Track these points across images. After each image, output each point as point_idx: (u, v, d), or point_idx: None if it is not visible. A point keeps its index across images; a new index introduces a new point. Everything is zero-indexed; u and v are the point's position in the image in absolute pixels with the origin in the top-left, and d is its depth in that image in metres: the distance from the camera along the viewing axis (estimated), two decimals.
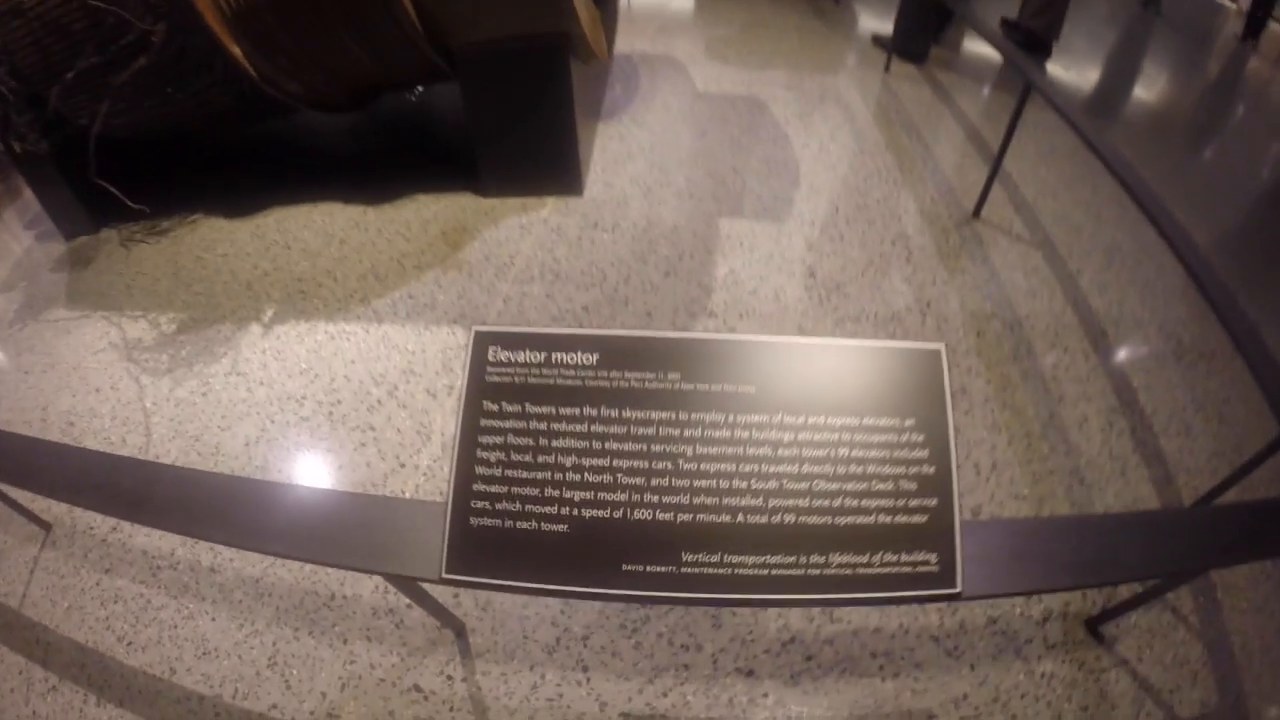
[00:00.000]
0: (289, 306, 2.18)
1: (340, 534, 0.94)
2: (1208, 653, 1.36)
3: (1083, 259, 2.31)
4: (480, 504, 0.89)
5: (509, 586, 0.87)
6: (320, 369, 1.97)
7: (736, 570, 0.85)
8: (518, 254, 2.37)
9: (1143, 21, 5.33)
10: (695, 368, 0.89)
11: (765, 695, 1.32)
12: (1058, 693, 1.30)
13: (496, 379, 0.91)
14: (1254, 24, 5.11)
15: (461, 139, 2.73)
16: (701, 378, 0.89)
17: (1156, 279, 2.24)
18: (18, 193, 2.81)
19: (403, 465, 1.73)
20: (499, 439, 0.90)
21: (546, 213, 2.54)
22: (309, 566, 1.50)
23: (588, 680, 1.34)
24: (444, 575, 0.88)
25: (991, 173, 2.39)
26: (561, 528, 0.88)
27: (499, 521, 0.88)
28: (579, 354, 0.90)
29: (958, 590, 0.85)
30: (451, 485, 0.89)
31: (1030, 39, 3.81)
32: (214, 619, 1.45)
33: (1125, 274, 2.25)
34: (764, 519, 0.85)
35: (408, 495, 1.66)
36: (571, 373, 0.90)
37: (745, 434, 0.87)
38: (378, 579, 1.47)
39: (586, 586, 0.85)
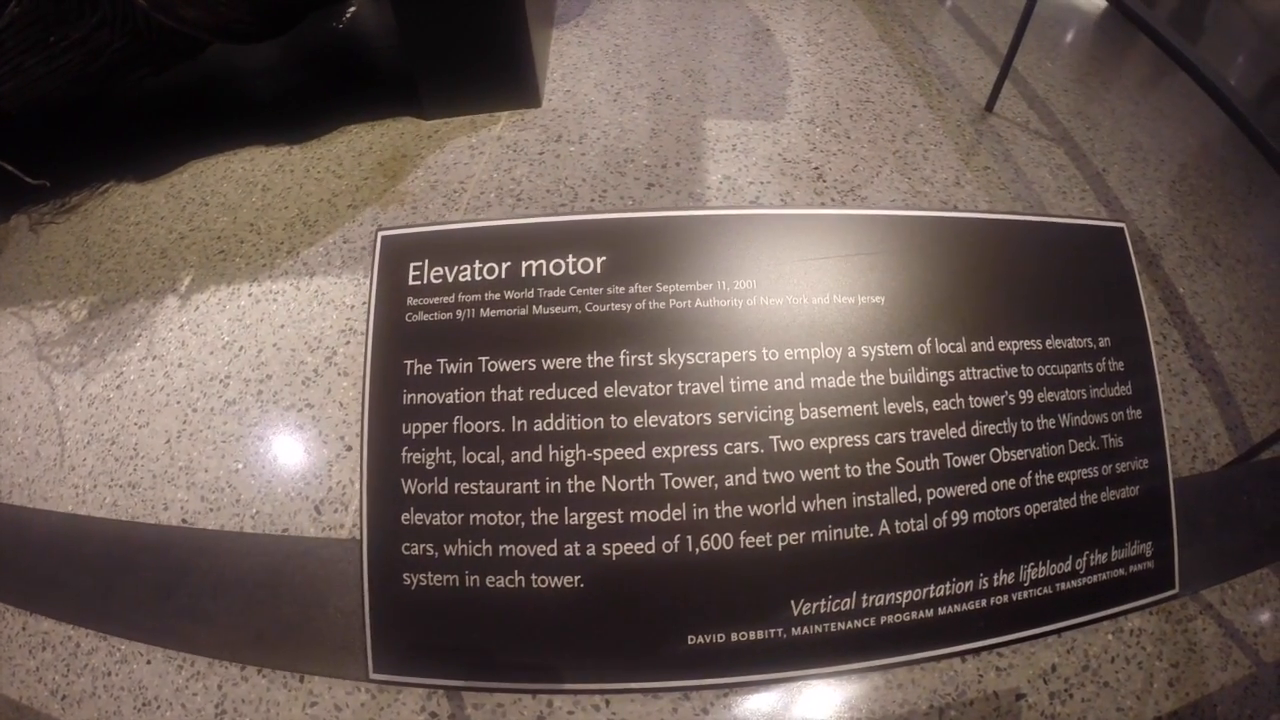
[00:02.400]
0: (208, 271, 1.89)
1: (224, 608, 0.60)
2: None
3: (1106, 157, 2.14)
4: (417, 549, 0.51)
5: (488, 688, 0.48)
6: (245, 340, 1.68)
7: (883, 617, 0.49)
8: (469, 178, 2.05)
9: None
10: (772, 265, 0.50)
11: (829, 697, 1.08)
12: (1147, 651, 1.17)
13: (424, 317, 0.53)
14: None
15: (397, 62, 2.41)
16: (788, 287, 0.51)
17: (1180, 179, 2.10)
18: None
19: (349, 448, 1.44)
20: (439, 426, 0.51)
21: (500, 129, 2.21)
22: None
23: (606, 704, 1.08)
24: (372, 675, 0.51)
25: (1005, 64, 2.17)
26: (569, 580, 0.49)
27: (453, 577, 0.50)
28: (569, 259, 0.52)
29: (1174, 591, 0.55)
30: (364, 519, 0.50)
31: None
32: (149, 661, 1.23)
33: (1150, 172, 2.11)
34: (922, 523, 0.49)
35: (356, 486, 1.36)
36: (559, 293, 0.51)
37: (879, 378, 0.49)
38: None
39: (625, 681, 0.47)
